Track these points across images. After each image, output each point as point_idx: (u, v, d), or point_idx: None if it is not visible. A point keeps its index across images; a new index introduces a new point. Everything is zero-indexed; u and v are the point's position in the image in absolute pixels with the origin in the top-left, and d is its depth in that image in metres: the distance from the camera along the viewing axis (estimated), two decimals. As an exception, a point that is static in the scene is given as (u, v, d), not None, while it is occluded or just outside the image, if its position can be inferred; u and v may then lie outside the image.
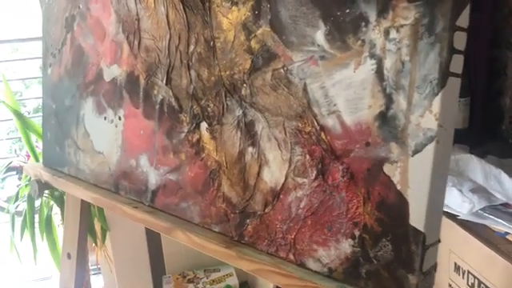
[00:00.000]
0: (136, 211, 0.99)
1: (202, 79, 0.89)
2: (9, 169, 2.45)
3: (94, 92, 1.11)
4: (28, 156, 3.13)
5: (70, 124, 1.18)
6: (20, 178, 3.47)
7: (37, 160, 2.09)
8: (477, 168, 1.20)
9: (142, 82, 1.00)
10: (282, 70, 0.77)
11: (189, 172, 0.93)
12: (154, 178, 0.99)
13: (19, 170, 3.36)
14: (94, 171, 1.13)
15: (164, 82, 0.95)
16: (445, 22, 0.60)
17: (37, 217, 1.98)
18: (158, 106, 0.97)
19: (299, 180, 0.76)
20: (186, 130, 0.93)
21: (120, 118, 1.06)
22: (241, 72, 0.83)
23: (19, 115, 2.05)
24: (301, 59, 0.75)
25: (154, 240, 2.08)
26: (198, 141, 0.91)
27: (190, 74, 0.91)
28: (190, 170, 0.93)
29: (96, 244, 1.99)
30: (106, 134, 1.09)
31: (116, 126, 1.06)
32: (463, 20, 0.61)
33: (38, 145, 2.25)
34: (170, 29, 0.93)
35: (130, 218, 1.01)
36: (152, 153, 0.99)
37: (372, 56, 0.67)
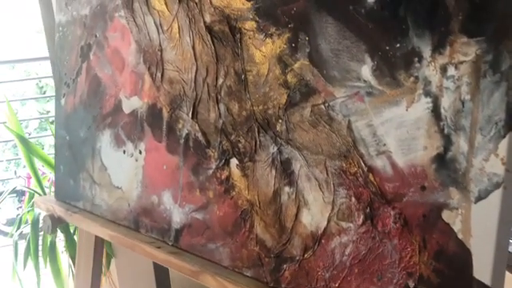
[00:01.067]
0: (159, 252, 0.93)
1: (232, 113, 0.84)
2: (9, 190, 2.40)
3: (112, 124, 1.06)
4: (29, 178, 3.07)
5: (85, 157, 1.13)
6: (20, 201, 3.41)
7: (40, 184, 2.03)
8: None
9: (166, 114, 0.94)
10: (322, 106, 0.73)
11: (217, 211, 0.87)
12: (178, 216, 0.94)
13: (19, 192, 3.30)
14: (112, 207, 1.07)
15: (190, 115, 0.90)
16: (512, 59, 0.56)
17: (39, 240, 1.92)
18: (182, 141, 0.92)
19: (344, 224, 0.71)
20: (213, 167, 0.87)
21: (140, 152, 1.00)
22: (275, 107, 0.78)
23: (22, 139, 1.99)
24: (344, 95, 0.70)
25: (160, 266, 2.02)
26: (228, 178, 0.86)
27: (218, 108, 0.86)
28: (218, 208, 0.87)
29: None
30: (124, 168, 1.03)
31: (136, 160, 1.01)
32: (530, 57, 0.57)
33: (39, 166, 2.19)
34: (196, 61, 0.88)
35: (152, 258, 0.95)
36: (176, 189, 0.94)
37: (427, 94, 0.62)
